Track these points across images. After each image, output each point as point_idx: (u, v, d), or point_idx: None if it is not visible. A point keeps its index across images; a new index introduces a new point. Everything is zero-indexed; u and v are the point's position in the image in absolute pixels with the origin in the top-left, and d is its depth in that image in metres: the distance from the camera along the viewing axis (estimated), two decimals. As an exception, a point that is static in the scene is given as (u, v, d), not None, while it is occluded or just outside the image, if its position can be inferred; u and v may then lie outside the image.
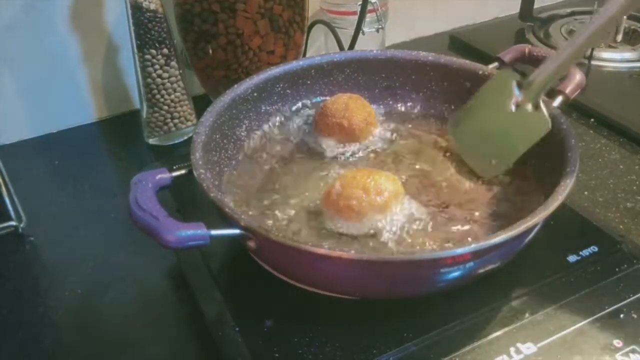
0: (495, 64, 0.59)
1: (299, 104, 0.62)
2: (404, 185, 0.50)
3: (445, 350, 0.41)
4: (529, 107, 0.52)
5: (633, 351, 0.41)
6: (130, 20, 0.63)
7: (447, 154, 0.57)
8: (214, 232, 0.40)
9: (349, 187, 0.46)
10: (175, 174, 0.46)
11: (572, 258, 0.48)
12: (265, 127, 0.59)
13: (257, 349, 0.42)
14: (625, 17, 0.83)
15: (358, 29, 0.72)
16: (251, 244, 0.41)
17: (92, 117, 0.76)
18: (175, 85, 0.67)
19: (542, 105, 0.51)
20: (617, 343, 0.41)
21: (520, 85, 0.52)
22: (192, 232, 0.39)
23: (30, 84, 0.70)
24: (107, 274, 0.53)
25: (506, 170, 0.53)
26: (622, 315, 0.43)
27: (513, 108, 0.53)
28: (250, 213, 0.50)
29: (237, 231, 0.41)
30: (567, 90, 0.53)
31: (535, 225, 0.41)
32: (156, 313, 0.49)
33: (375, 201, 0.45)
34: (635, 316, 0.43)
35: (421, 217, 0.49)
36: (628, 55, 0.81)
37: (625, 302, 0.44)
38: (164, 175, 0.45)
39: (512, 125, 0.53)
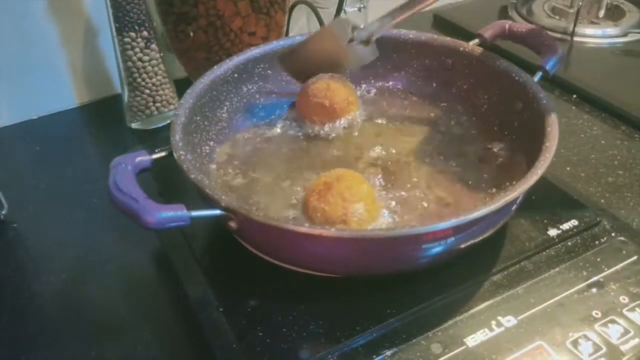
0: (477, 40, 0.59)
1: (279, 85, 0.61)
2: (383, 161, 0.51)
3: (427, 325, 0.42)
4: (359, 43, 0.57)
5: (612, 321, 0.41)
6: (108, 3, 0.62)
7: (427, 131, 0.57)
8: (194, 213, 0.40)
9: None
10: (155, 156, 0.46)
11: (552, 232, 0.48)
12: (247, 109, 0.59)
13: (240, 329, 0.42)
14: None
15: (340, 8, 0.71)
16: (232, 224, 0.41)
17: (73, 102, 0.75)
18: (156, 68, 0.67)
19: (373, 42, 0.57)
20: (596, 314, 0.42)
21: (353, 29, 0.57)
22: (172, 213, 0.39)
23: (7, 69, 0.69)
24: (91, 258, 0.53)
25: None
26: (600, 287, 0.44)
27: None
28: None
29: (217, 212, 0.41)
30: (547, 66, 0.53)
31: (514, 200, 0.41)
32: (141, 296, 0.49)
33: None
34: (614, 287, 0.44)
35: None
36: (610, 31, 0.81)
37: (604, 273, 0.45)
38: (143, 158, 0.45)
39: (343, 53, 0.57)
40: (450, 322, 0.42)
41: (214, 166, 0.53)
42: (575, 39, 0.80)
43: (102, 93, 0.76)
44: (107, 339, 0.46)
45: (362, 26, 0.58)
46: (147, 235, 0.51)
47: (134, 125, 0.69)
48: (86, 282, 0.51)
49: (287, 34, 0.74)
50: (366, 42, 0.57)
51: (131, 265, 0.52)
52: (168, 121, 0.70)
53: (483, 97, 0.57)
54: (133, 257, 0.53)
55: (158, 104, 0.69)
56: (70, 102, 0.75)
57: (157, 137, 0.68)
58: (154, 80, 0.67)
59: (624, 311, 0.42)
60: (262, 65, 0.59)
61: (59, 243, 0.55)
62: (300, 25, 0.82)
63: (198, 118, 0.52)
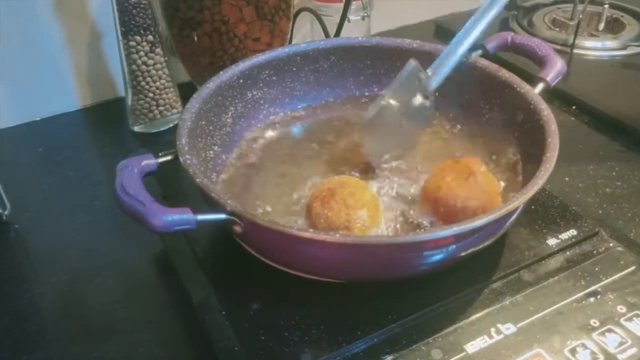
0: (480, 51, 0.60)
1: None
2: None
3: (428, 331, 0.42)
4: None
5: (609, 330, 0.42)
6: (115, 7, 0.63)
7: (428, 139, 0.58)
8: (200, 216, 0.40)
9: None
10: (161, 160, 0.46)
11: (551, 241, 0.49)
12: (251, 114, 0.60)
13: (243, 332, 0.42)
14: (607, 6, 0.84)
15: (344, 17, 0.72)
16: (237, 228, 0.42)
17: (76, 104, 0.75)
18: (160, 72, 0.67)
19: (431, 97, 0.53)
20: (594, 323, 0.42)
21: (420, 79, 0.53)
22: (179, 216, 0.39)
23: (12, 71, 0.70)
24: (93, 261, 0.53)
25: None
26: (598, 296, 0.44)
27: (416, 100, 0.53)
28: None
29: (223, 216, 0.41)
30: (549, 78, 0.54)
31: (515, 209, 0.42)
32: (142, 299, 0.50)
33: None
34: (611, 297, 0.44)
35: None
36: (609, 43, 0.82)
37: (601, 283, 0.45)
38: (149, 161, 0.45)
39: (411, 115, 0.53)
40: (450, 329, 0.42)
41: (217, 171, 0.54)
42: (575, 51, 0.81)
43: (106, 96, 0.76)
44: (109, 340, 0.46)
45: (429, 72, 0.53)
46: (149, 239, 0.52)
47: (136, 129, 0.70)
48: (88, 283, 0.51)
49: (290, 40, 0.75)
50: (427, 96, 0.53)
51: (133, 268, 0.53)
52: (171, 125, 0.70)
53: (485, 107, 0.57)
54: (135, 259, 0.53)
55: (161, 108, 0.69)
56: (73, 104, 0.75)
57: (160, 141, 0.68)
58: (157, 84, 0.67)
59: (622, 321, 0.43)
60: (266, 72, 0.59)
61: (61, 244, 0.55)
62: (304, 32, 0.83)
63: (203, 123, 0.52)
